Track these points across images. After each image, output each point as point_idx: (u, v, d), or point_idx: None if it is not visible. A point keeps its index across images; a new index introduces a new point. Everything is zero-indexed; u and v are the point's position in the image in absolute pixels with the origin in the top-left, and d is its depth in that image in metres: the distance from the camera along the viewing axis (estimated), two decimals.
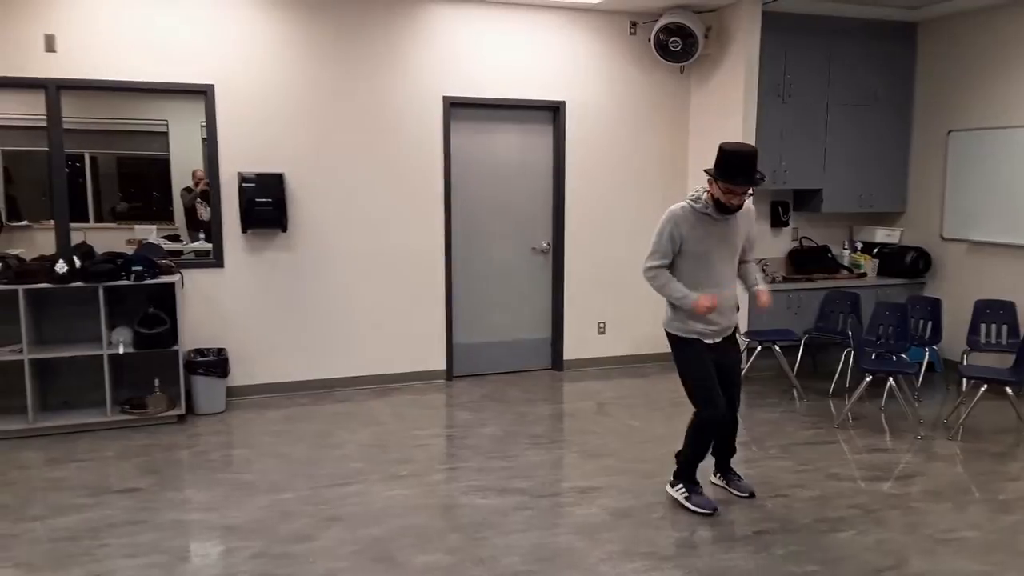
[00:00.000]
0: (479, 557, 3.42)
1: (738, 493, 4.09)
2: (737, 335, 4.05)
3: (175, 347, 5.20)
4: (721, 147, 3.63)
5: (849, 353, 6.04)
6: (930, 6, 6.38)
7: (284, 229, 5.76)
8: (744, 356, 6.12)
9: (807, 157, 6.67)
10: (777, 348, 5.95)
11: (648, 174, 6.80)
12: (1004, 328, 5.93)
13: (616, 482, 4.27)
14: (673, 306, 3.85)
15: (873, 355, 5.77)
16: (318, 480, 4.28)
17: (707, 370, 3.81)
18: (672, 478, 4.04)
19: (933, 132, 6.80)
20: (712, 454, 4.12)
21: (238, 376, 5.76)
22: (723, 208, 3.66)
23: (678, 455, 4.00)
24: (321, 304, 5.99)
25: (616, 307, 6.82)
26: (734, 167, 3.57)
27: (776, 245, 7.06)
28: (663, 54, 6.36)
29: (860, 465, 4.56)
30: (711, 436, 3.95)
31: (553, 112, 6.50)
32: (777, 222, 7.01)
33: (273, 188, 5.64)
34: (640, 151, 6.74)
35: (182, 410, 5.28)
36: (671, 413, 5.55)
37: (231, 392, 5.68)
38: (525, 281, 6.64)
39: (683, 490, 3.95)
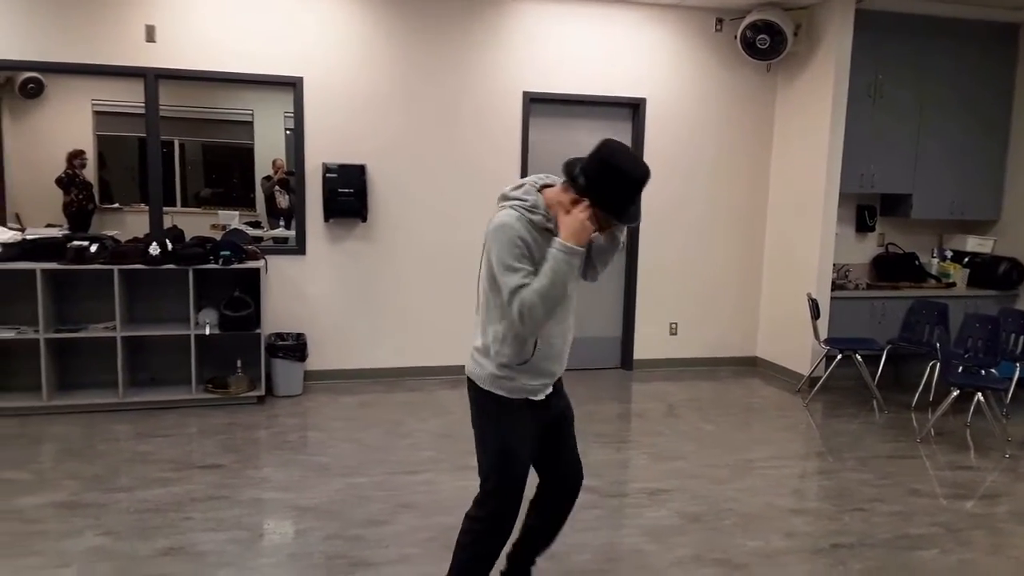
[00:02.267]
0: (549, 553, 3.42)
1: None
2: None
3: (257, 330, 5.37)
4: (613, 160, 2.41)
5: (934, 366, 5.81)
6: None
7: (364, 219, 5.88)
8: (823, 364, 5.97)
9: (897, 161, 6.43)
10: (858, 357, 5.77)
11: (728, 173, 6.68)
12: None
13: (687, 485, 4.22)
14: (495, 355, 2.58)
15: (960, 368, 5.54)
16: (390, 466, 4.36)
17: (525, 439, 2.63)
18: None
19: None
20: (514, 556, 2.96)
21: (315, 361, 5.90)
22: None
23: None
24: (396, 294, 6.09)
25: (689, 307, 6.72)
26: (633, 197, 2.42)
27: (861, 251, 6.85)
28: (750, 52, 6.23)
29: (943, 482, 4.39)
30: (504, 539, 2.70)
31: (633, 109, 6.44)
32: (863, 227, 6.79)
33: (355, 179, 5.75)
34: (721, 149, 6.62)
35: (262, 391, 5.45)
36: (746, 419, 5.45)
37: (308, 376, 5.83)
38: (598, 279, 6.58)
39: None
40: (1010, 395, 5.66)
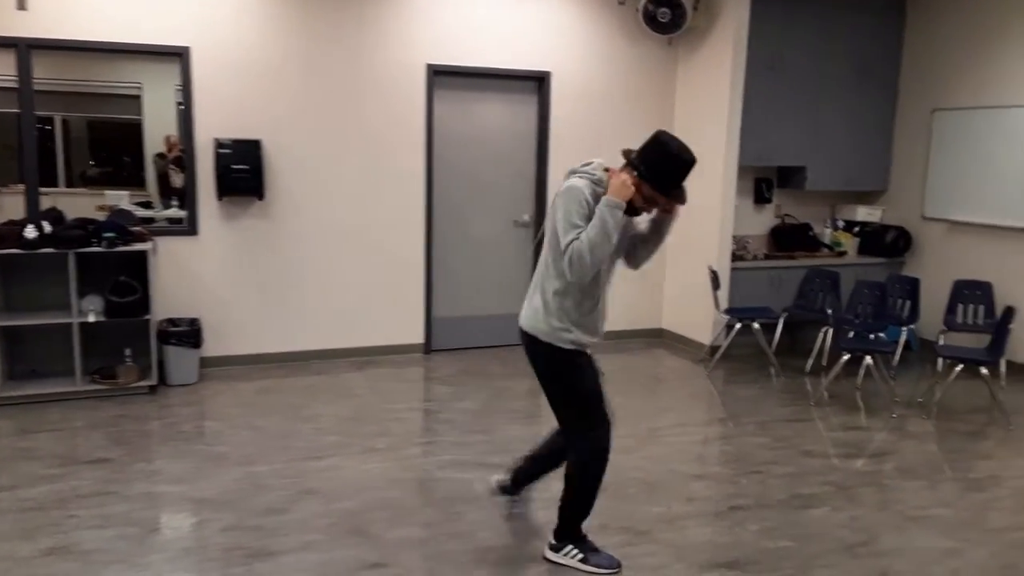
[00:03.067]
0: (455, 532, 3.40)
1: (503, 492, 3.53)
2: None
3: (147, 316, 5.11)
4: (664, 142, 2.85)
5: (827, 331, 6.06)
6: None
7: (261, 197, 5.65)
8: (724, 333, 6.14)
9: (792, 134, 6.63)
10: (756, 325, 5.95)
11: (632, 146, 6.71)
12: (980, 308, 5.96)
13: None
14: (556, 311, 2.96)
15: (851, 333, 5.79)
16: (292, 453, 4.23)
17: (598, 381, 3.07)
18: (554, 539, 3.19)
19: (918, 111, 6.78)
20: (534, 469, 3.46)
21: (212, 347, 5.67)
22: (629, 208, 2.86)
23: (564, 508, 3.16)
24: (298, 274, 5.90)
25: None
26: (679, 176, 2.85)
27: (759, 222, 7.05)
28: (651, 25, 6.27)
29: (835, 443, 4.58)
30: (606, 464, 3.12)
31: (538, 82, 6.40)
32: (760, 199, 6.99)
33: (250, 155, 5.51)
34: (625, 122, 6.66)
35: (154, 381, 5.20)
36: (652, 389, 5.56)
37: (204, 363, 5.60)
38: (506, 255, 6.57)
39: (576, 552, 3.15)
40: (897, 357, 5.96)
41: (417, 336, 6.30)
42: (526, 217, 6.56)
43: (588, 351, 3.04)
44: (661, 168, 2.83)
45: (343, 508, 3.59)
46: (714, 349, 6.20)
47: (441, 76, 6.07)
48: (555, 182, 6.50)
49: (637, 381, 5.74)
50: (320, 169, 5.84)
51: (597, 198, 2.82)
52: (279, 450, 4.27)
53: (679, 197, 2.90)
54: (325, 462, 4.12)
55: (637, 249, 3.12)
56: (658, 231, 3.06)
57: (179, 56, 5.42)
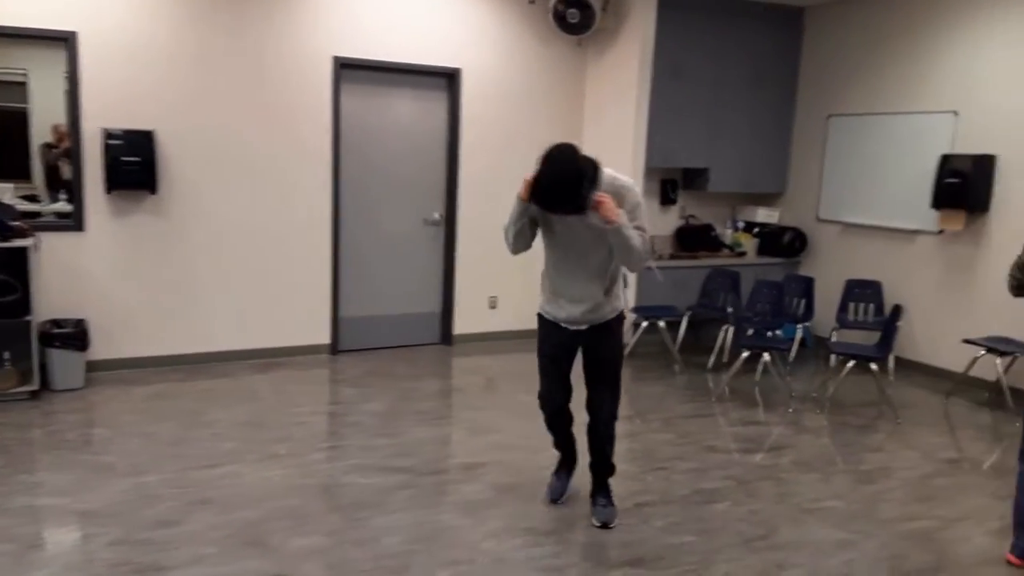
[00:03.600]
0: (358, 539, 3.31)
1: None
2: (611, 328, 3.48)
3: (28, 317, 4.77)
4: (547, 155, 3.11)
5: (729, 329, 6.24)
6: None
7: (154, 191, 5.37)
8: (631, 331, 6.23)
9: (696, 137, 6.80)
10: (661, 324, 6.07)
11: (543, 145, 6.71)
12: (871, 307, 6.27)
13: (503, 458, 4.24)
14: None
15: (750, 331, 5.98)
16: (186, 461, 4.03)
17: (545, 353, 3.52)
18: (610, 497, 3.59)
19: (814, 116, 7.07)
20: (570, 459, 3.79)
21: (101, 349, 5.36)
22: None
23: (609, 465, 3.61)
24: (195, 272, 5.64)
25: (508, 281, 6.77)
26: (543, 191, 3.06)
27: (665, 223, 7.20)
28: (561, 25, 6.30)
29: (735, 437, 4.71)
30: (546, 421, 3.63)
31: (449, 79, 6.33)
32: (666, 200, 7.13)
33: (142, 146, 5.23)
34: (536, 121, 6.67)
35: (35, 386, 4.87)
36: None
37: (92, 367, 5.28)
38: (415, 253, 6.48)
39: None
40: (793, 354, 6.19)
41: (323, 336, 6.13)
42: (436, 215, 6.48)
43: (562, 325, 3.43)
44: (538, 177, 3.05)
45: (240, 518, 3.44)
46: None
47: (349, 70, 5.93)
48: (466, 179, 6.46)
49: None
50: (219, 162, 5.60)
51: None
52: (172, 458, 4.06)
53: (546, 206, 3.10)
54: (222, 470, 3.94)
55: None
56: (602, 221, 3.11)
57: (65, 41, 5.09)
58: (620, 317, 3.49)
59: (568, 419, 3.62)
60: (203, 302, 5.69)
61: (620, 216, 3.09)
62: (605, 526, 3.47)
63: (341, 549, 3.22)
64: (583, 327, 3.41)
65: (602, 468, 3.58)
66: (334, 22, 5.81)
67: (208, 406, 4.87)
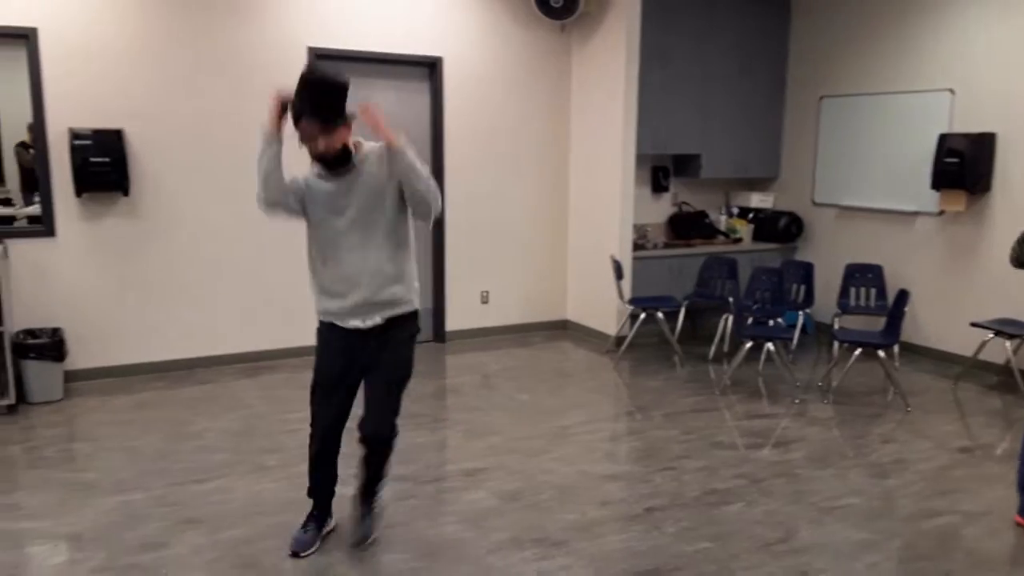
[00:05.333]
0: (357, 556, 3.12)
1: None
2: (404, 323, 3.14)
3: (0, 328, 4.54)
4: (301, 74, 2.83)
5: (728, 318, 6.09)
6: None
7: (126, 192, 5.13)
8: (628, 323, 6.07)
9: (687, 122, 6.63)
10: (660, 314, 5.91)
11: (529, 135, 6.56)
12: (872, 291, 6.14)
13: (503, 462, 4.06)
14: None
15: (750, 320, 5.83)
16: (172, 476, 3.83)
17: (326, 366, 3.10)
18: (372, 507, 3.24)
19: (806, 98, 6.91)
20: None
21: (79, 359, 5.13)
22: (320, 159, 2.92)
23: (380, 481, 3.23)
24: (175, 274, 5.41)
25: (500, 275, 6.59)
26: (312, 89, 2.79)
27: (657, 210, 7.03)
28: (544, 10, 6.11)
29: (742, 432, 4.57)
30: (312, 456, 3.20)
31: (430, 68, 6.11)
32: (658, 187, 6.97)
33: (111, 146, 4.98)
34: (521, 109, 6.48)
35: (11, 400, 4.64)
36: (559, 384, 5.41)
37: (70, 377, 5.05)
38: None
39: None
40: (795, 342, 6.05)
41: (311, 338, 5.90)
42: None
43: (339, 324, 3.07)
44: (299, 87, 2.79)
45: (231, 537, 3.24)
46: (620, 340, 6.13)
47: (325, 60, 5.69)
48: (452, 170, 6.25)
49: (543, 376, 5.59)
50: (193, 161, 5.36)
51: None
52: (157, 474, 3.85)
53: (314, 114, 2.77)
54: (210, 485, 3.74)
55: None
56: (391, 161, 2.90)
57: (25, 38, 4.82)
58: (415, 317, 3.12)
59: (337, 449, 3.20)
60: (185, 305, 5.46)
61: (400, 136, 2.84)
62: (364, 542, 3.16)
63: (338, 569, 3.03)
64: (369, 323, 3.01)
65: (377, 478, 3.22)
66: (308, 11, 5.57)
67: (194, 415, 4.66)
